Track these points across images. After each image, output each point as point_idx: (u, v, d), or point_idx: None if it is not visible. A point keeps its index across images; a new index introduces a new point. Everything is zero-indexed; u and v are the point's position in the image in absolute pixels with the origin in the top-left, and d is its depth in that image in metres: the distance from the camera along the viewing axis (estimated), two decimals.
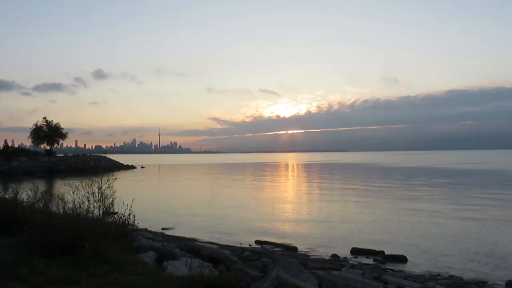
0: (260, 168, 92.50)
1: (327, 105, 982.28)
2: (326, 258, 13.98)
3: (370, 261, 13.62)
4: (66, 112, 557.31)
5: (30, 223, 7.04)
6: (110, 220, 7.78)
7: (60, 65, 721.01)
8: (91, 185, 7.77)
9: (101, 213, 7.63)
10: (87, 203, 7.53)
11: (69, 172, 66.49)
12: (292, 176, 66.94)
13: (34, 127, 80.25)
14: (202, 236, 17.56)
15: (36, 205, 9.61)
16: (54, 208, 8.66)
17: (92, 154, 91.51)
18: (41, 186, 12.80)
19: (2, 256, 6.36)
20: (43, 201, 9.78)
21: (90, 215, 7.36)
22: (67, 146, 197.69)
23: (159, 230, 18.70)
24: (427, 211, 24.04)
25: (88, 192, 7.66)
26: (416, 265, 13.15)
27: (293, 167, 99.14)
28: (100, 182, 7.88)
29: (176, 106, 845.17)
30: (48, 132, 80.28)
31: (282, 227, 19.96)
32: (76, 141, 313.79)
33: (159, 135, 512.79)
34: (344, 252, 14.76)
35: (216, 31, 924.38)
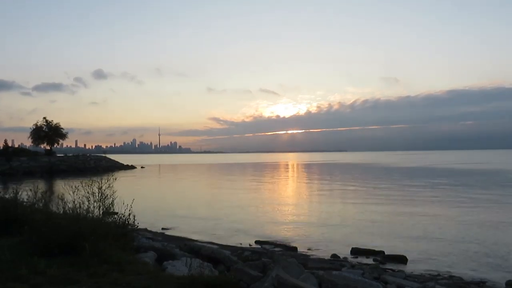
0: (260, 168, 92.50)
1: (327, 105, 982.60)
2: (326, 258, 13.97)
3: (370, 261, 13.62)
4: (66, 112, 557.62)
5: (30, 223, 7.03)
6: (110, 220, 7.78)
7: (60, 65, 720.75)
8: (91, 185, 7.76)
9: (101, 213, 7.63)
10: (87, 203, 7.52)
11: (69, 172, 66.49)
12: (292, 176, 66.95)
13: (34, 127, 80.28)
14: (202, 236, 17.56)
15: (36, 205, 9.61)
16: (54, 208, 8.65)
17: (92, 154, 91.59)
18: (41, 186, 12.80)
19: (2, 256, 6.36)
20: (43, 201, 9.77)
21: (90, 215, 7.35)
22: (67, 146, 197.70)
23: (159, 230, 18.70)
24: (427, 211, 24.04)
25: (88, 192, 7.66)
26: (416, 265, 13.15)
27: (293, 167, 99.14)
28: (100, 182, 7.87)
29: (176, 106, 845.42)
30: (48, 132, 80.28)
31: (282, 227, 19.96)
32: (76, 141, 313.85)
33: (159, 135, 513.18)
34: (344, 252, 14.76)
35: (216, 31, 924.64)
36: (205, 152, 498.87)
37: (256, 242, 16.49)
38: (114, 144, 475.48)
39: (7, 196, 10.56)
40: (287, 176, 66.84)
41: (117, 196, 8.03)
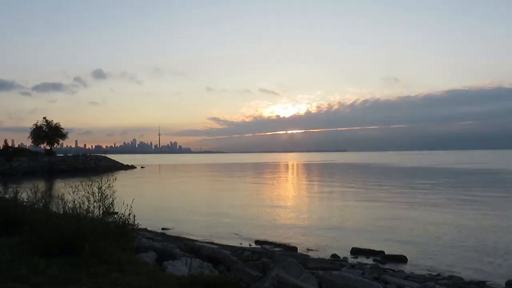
0: (260, 168, 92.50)
1: (327, 105, 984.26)
2: (326, 258, 13.96)
3: (370, 261, 13.61)
4: (66, 112, 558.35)
5: (30, 223, 7.02)
6: (110, 220, 7.77)
7: (59, 65, 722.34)
8: (91, 185, 7.75)
9: (101, 213, 7.62)
10: (87, 203, 7.51)
11: (69, 172, 66.48)
12: (292, 176, 66.95)
13: (34, 127, 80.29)
14: (202, 236, 17.55)
15: (36, 205, 9.59)
16: (54, 208, 8.65)
17: (92, 154, 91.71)
18: (41, 186, 12.78)
19: (2, 256, 6.35)
20: (43, 201, 9.75)
21: (90, 215, 7.34)
22: (67, 146, 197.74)
23: (159, 230, 18.69)
24: (427, 211, 24.04)
25: (88, 192, 7.65)
26: (416, 265, 13.14)
27: (293, 167, 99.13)
28: (100, 182, 7.86)
29: (175, 106, 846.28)
30: (48, 132, 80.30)
31: (282, 227, 19.95)
32: (76, 141, 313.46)
33: (159, 135, 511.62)
34: (344, 252, 14.76)
35: (216, 31, 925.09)
36: (205, 152, 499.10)
37: (256, 242, 16.48)
38: (114, 144, 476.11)
39: (7, 196, 10.54)
40: (287, 176, 66.84)
41: (117, 196, 8.02)
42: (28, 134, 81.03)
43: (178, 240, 15.15)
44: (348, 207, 26.40)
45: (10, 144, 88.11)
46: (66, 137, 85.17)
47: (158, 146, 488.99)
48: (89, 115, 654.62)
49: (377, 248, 14.87)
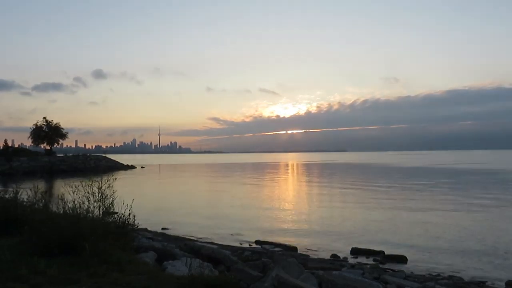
0: (260, 168, 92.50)
1: (327, 105, 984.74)
2: (326, 258, 13.96)
3: (370, 261, 13.61)
4: (66, 112, 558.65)
5: (30, 223, 7.02)
6: (110, 220, 7.77)
7: (59, 65, 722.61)
8: (91, 185, 7.75)
9: (101, 213, 7.62)
10: (87, 203, 7.51)
11: (69, 172, 66.48)
12: (292, 176, 66.95)
13: (34, 127, 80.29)
14: (202, 236, 17.56)
15: (36, 205, 9.58)
16: (54, 208, 8.64)
17: (92, 154, 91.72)
18: (41, 186, 12.78)
19: (2, 256, 6.35)
20: (43, 201, 9.75)
21: (90, 215, 7.34)
22: (67, 146, 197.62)
23: (159, 230, 18.69)
24: (427, 211, 24.04)
25: (88, 192, 7.64)
26: (416, 265, 13.14)
27: (293, 167, 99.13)
28: (100, 182, 7.86)
29: (175, 106, 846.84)
30: (48, 132, 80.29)
31: (282, 227, 19.95)
32: (76, 141, 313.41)
33: (159, 135, 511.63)
34: (344, 252, 14.76)
35: (216, 31, 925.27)
36: (205, 152, 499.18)
37: (256, 242, 16.48)
38: (114, 144, 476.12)
39: (7, 196, 10.54)
40: (287, 176, 66.83)
41: (117, 196, 8.01)
42: (28, 134, 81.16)
43: (178, 240, 15.15)
44: (348, 207, 26.40)
45: (10, 144, 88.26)
46: (66, 137, 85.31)
47: (158, 146, 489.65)
48: (89, 115, 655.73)
49: (377, 248, 14.87)
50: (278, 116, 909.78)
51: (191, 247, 11.42)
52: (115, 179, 8.34)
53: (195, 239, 16.62)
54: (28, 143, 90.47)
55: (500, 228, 18.82)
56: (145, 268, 6.62)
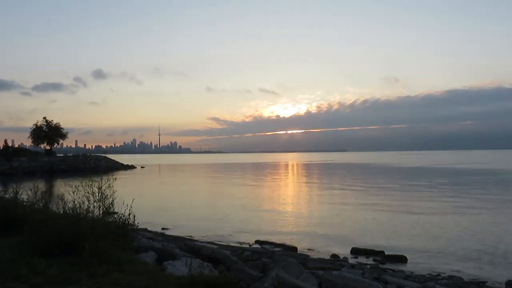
0: (260, 168, 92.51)
1: (327, 105, 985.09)
2: (326, 258, 13.96)
3: (370, 261, 13.61)
4: (66, 112, 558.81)
5: (30, 223, 7.01)
6: (110, 220, 7.77)
7: (59, 65, 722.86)
8: (91, 185, 7.75)
9: (101, 213, 7.62)
10: (87, 203, 7.51)
11: (69, 172, 66.46)
12: (291, 176, 66.94)
13: (34, 127, 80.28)
14: (202, 236, 17.55)
15: (36, 205, 9.59)
16: (54, 208, 8.64)
17: (92, 154, 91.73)
18: (41, 186, 12.78)
19: (2, 256, 6.35)
20: (43, 201, 9.75)
21: (90, 215, 7.34)
22: (67, 146, 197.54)
23: (159, 230, 18.69)
24: (427, 211, 24.03)
25: (88, 192, 7.64)
26: (416, 265, 13.15)
27: (293, 167, 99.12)
28: (100, 182, 7.86)
29: (175, 106, 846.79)
30: (48, 132, 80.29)
31: (282, 227, 19.95)
32: (76, 141, 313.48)
33: (159, 135, 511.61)
34: (344, 252, 14.76)
35: (216, 31, 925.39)
36: (205, 152, 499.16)
37: (256, 242, 16.48)
38: (114, 144, 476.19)
39: (7, 196, 10.54)
40: (287, 176, 66.83)
41: (117, 196, 8.01)
42: (28, 134, 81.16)
43: (178, 240, 15.15)
44: (348, 207, 26.39)
45: (10, 144, 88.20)
46: (66, 137, 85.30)
47: (158, 146, 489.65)
48: (89, 115, 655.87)
49: (377, 248, 14.87)
50: (278, 116, 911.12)
51: (191, 247, 11.42)
52: (115, 179, 8.34)
53: (195, 239, 16.63)
54: (28, 143, 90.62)
55: (500, 228, 18.82)
56: (145, 268, 6.62)
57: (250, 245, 16.00)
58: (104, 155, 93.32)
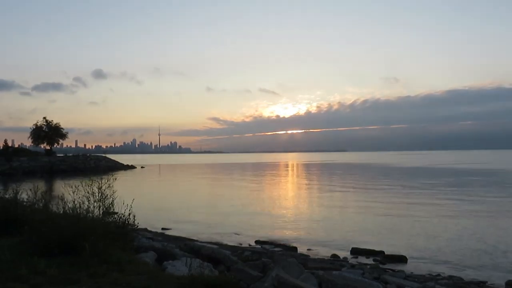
0: (260, 168, 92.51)
1: (327, 105, 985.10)
2: (326, 258, 13.97)
3: (370, 261, 13.62)
4: (66, 112, 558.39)
5: (30, 223, 7.01)
6: (110, 220, 7.77)
7: (59, 65, 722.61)
8: (91, 185, 7.75)
9: (101, 213, 7.62)
10: (87, 203, 7.51)
11: (69, 172, 66.47)
12: (291, 176, 66.94)
13: (34, 127, 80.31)
14: (202, 236, 17.55)
15: (36, 205, 9.59)
16: (54, 208, 8.64)
17: (92, 154, 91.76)
18: (41, 186, 12.78)
19: (2, 256, 6.35)
20: (43, 201, 9.75)
21: (90, 215, 7.34)
22: (67, 146, 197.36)
23: (159, 230, 18.70)
24: (427, 211, 24.04)
25: (88, 192, 7.64)
26: (416, 265, 13.15)
27: (293, 167, 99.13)
28: (100, 182, 7.86)
29: (175, 106, 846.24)
30: (48, 132, 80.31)
31: (282, 227, 19.96)
32: (76, 141, 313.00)
33: (159, 135, 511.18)
34: (344, 252, 14.77)
35: (216, 31, 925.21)
36: (205, 152, 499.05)
37: (256, 242, 16.49)
38: (114, 144, 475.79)
39: (7, 196, 10.54)
40: (287, 176, 66.83)
41: (117, 196, 8.01)
42: (28, 134, 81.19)
43: (178, 240, 15.15)
44: (348, 207, 26.41)
45: (10, 144, 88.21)
46: (66, 137, 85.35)
47: (158, 146, 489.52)
48: (89, 115, 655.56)
49: (377, 248, 14.87)
50: (278, 116, 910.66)
51: (191, 247, 11.42)
52: (115, 179, 8.33)
53: (195, 239, 16.62)
54: (28, 143, 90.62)
55: (500, 228, 18.82)
56: (145, 268, 6.62)
57: (250, 245, 16.01)
58: (104, 155, 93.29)
